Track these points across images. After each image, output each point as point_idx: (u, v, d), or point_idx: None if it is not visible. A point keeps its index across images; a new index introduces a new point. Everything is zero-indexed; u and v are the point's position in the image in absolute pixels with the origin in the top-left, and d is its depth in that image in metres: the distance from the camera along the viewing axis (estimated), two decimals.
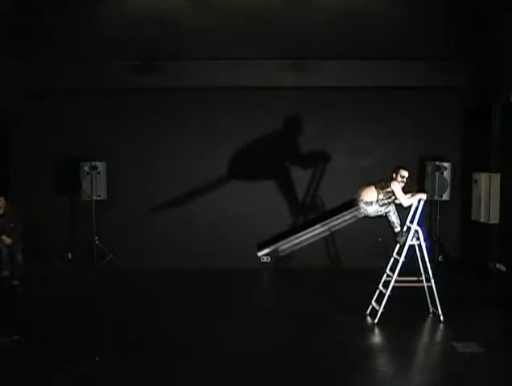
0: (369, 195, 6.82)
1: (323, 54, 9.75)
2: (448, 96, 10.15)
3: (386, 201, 6.83)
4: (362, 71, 9.69)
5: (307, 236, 6.72)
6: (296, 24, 9.66)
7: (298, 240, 6.71)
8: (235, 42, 9.69)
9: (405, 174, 6.85)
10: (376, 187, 6.83)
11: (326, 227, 6.91)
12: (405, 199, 6.84)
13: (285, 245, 6.61)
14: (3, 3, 9.65)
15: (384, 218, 7.07)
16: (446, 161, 9.74)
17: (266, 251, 6.40)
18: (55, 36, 9.85)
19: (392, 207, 6.95)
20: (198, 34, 9.66)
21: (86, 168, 9.86)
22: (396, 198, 6.83)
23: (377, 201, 6.80)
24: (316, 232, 6.80)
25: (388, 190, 6.80)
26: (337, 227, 7.04)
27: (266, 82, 9.72)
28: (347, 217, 7.05)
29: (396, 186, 6.78)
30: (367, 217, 7.05)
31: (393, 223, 7.03)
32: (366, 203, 6.81)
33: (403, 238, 7.00)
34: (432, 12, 9.72)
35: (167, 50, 9.81)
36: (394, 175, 6.86)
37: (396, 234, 7.06)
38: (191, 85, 9.84)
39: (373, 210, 6.85)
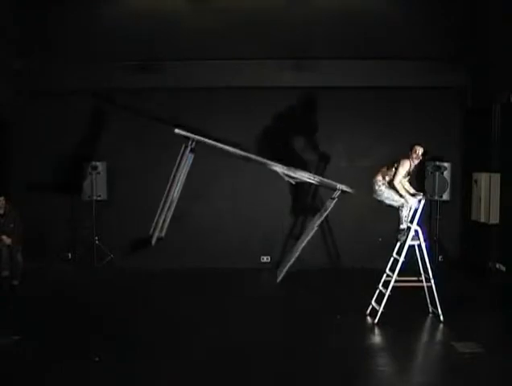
0: (379, 175, 6.99)
1: (323, 54, 9.75)
2: (448, 96, 10.14)
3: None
4: (362, 71, 9.69)
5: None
6: (296, 24, 9.66)
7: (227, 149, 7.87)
8: (235, 42, 9.70)
9: (419, 150, 6.84)
10: (388, 168, 6.95)
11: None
12: (397, 180, 6.83)
13: (206, 141, 7.81)
14: (3, 3, 9.66)
15: (388, 214, 7.18)
16: (446, 161, 9.73)
17: (181, 132, 7.19)
18: (55, 36, 9.86)
19: (409, 203, 6.91)
20: (198, 34, 9.66)
21: (86, 168, 9.85)
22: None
23: (384, 184, 6.92)
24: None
25: (394, 170, 6.86)
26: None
27: (266, 82, 9.72)
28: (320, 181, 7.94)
29: (403, 162, 6.81)
30: (380, 201, 7.09)
31: (401, 217, 7.05)
32: (378, 183, 6.97)
33: (404, 237, 7.01)
34: (432, 12, 9.73)
35: (167, 50, 9.82)
36: (410, 153, 6.89)
37: (399, 231, 7.06)
38: (191, 85, 9.85)
39: (386, 193, 6.94)
